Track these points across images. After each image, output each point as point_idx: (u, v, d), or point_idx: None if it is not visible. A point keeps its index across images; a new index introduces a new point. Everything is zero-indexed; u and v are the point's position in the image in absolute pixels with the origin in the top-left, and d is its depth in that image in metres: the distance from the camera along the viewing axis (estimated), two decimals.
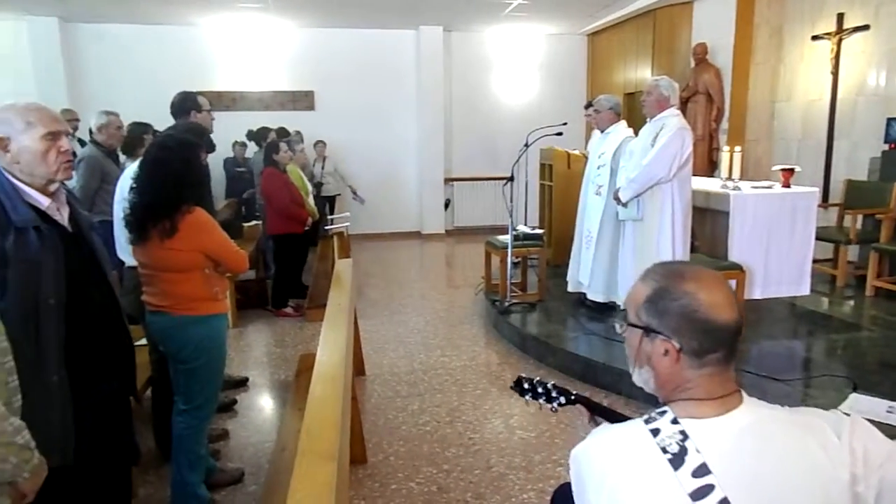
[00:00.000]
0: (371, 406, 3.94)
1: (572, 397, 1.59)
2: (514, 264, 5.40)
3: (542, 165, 6.86)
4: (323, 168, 9.04)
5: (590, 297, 5.07)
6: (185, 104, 3.58)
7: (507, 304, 5.25)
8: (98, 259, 2.05)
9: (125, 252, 3.04)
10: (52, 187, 1.85)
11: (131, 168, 2.95)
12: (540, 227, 6.44)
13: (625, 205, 4.43)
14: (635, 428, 1.12)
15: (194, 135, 3.00)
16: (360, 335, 4.38)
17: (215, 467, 3.09)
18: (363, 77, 9.91)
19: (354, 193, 9.57)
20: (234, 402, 3.99)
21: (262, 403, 4.15)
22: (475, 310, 5.97)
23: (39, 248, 1.77)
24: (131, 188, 2.50)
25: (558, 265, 5.95)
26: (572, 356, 4.30)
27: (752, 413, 1.10)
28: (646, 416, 1.13)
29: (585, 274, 5.03)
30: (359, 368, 4.30)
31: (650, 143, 4.28)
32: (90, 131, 4.73)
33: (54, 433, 1.79)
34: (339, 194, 9.27)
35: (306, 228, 6.08)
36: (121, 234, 3.04)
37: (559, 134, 5.35)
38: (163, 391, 3.05)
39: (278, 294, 6.02)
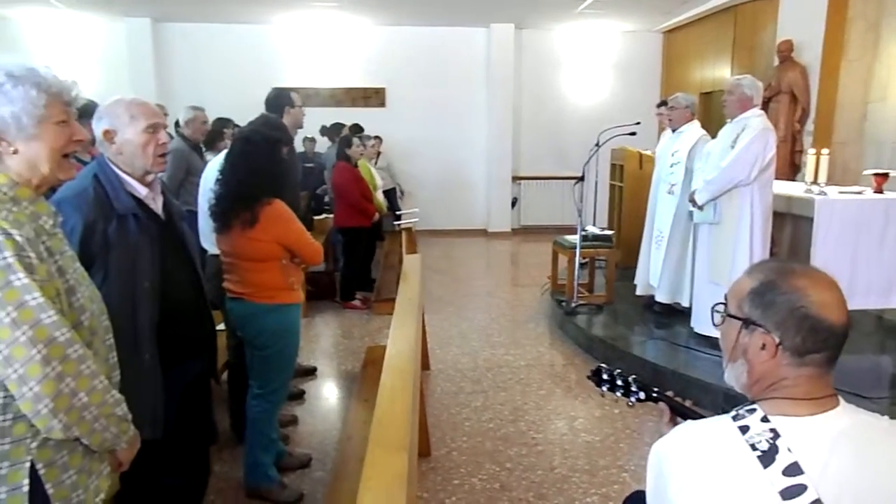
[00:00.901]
0: (434, 400, 3.98)
1: (654, 395, 1.55)
2: (582, 265, 5.33)
3: (613, 166, 6.74)
4: (376, 164, 9.17)
5: (657, 298, 4.96)
6: (279, 100, 3.69)
7: (573, 304, 5.18)
8: (187, 246, 2.17)
9: (208, 241, 3.19)
10: (150, 178, 1.98)
11: (216, 160, 3.09)
12: (609, 229, 6.32)
13: (700, 207, 4.29)
14: (722, 424, 1.10)
15: (273, 129, 3.11)
16: (425, 330, 4.43)
17: (284, 451, 3.20)
18: (434, 74, 9.98)
19: (401, 192, 9.64)
20: (303, 392, 4.11)
21: (329, 392, 4.27)
22: (540, 309, 5.93)
23: (137, 235, 1.89)
24: (217, 180, 2.63)
25: (627, 267, 5.83)
26: (640, 361, 4.20)
27: (849, 417, 1.06)
28: (733, 413, 1.10)
29: (656, 275, 4.91)
30: (424, 363, 4.35)
31: (730, 145, 4.11)
32: (176, 125, 4.99)
33: (145, 408, 1.89)
34: (392, 188, 9.38)
35: (373, 222, 6.20)
36: (205, 224, 3.20)
37: (633, 134, 5.24)
38: (239, 375, 3.19)
39: (346, 287, 6.16)
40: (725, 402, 3.53)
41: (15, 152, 1.35)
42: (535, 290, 6.49)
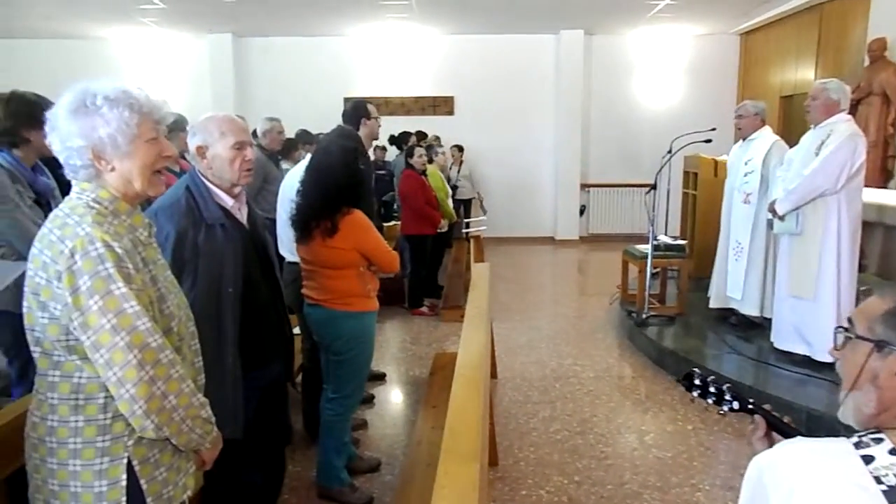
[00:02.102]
0: (502, 409, 3.97)
1: (750, 406, 1.44)
2: (653, 275, 5.19)
3: (686, 173, 6.54)
4: (459, 172, 9.22)
5: (743, 311, 4.76)
6: (356, 111, 3.76)
7: (644, 315, 5.06)
8: (268, 254, 2.27)
9: (286, 248, 3.31)
10: (236, 190, 2.09)
11: (296, 171, 3.20)
12: (682, 238, 6.14)
13: (781, 217, 4.10)
14: (842, 448, 1.02)
15: (348, 139, 3.20)
16: (493, 338, 4.43)
17: (355, 455, 3.27)
18: (502, 82, 10.01)
19: (481, 202, 9.64)
20: (373, 396, 4.19)
21: (398, 398, 4.33)
22: (609, 319, 5.82)
23: (224, 243, 1.99)
24: (298, 191, 2.73)
25: (700, 278, 5.64)
26: (715, 375, 4.05)
27: None
28: (855, 440, 1.03)
29: (737, 287, 4.71)
30: (491, 371, 4.35)
31: (814, 152, 3.91)
32: (254, 135, 5.20)
33: (227, 409, 1.98)
34: (473, 198, 9.42)
35: (440, 230, 6.24)
36: (283, 232, 3.32)
37: (708, 141, 5.08)
38: (313, 379, 3.28)
39: (414, 293, 6.23)
40: (809, 421, 3.36)
41: (112, 169, 1.45)
42: (604, 299, 6.37)
